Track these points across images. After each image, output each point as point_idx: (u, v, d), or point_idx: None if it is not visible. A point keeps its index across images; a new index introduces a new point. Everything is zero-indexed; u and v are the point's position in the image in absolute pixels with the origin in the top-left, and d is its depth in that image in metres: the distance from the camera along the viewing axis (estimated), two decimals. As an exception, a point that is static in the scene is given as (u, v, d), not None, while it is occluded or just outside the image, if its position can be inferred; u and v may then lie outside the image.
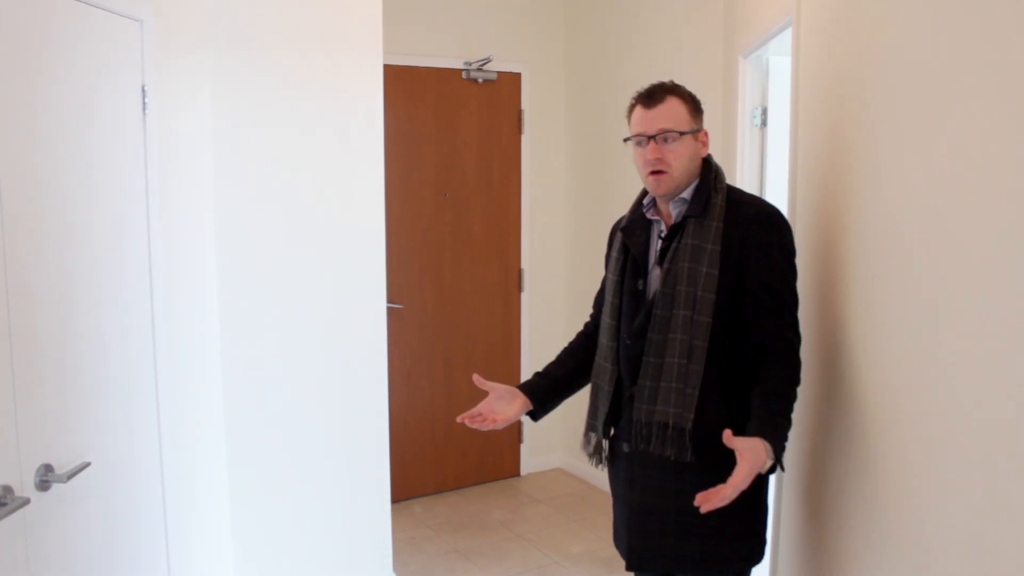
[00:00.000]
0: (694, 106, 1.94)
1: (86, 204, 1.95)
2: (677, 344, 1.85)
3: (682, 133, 1.88)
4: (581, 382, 2.18)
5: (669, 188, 1.90)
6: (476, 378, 2.05)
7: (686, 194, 1.92)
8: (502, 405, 2.06)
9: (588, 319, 2.24)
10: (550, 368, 2.18)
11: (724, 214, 1.86)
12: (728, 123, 3.18)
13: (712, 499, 1.68)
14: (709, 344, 1.82)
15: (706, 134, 1.96)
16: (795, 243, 1.91)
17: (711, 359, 1.83)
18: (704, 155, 1.95)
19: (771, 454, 1.73)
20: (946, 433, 1.29)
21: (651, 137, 1.88)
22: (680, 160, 1.88)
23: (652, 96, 1.91)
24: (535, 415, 2.11)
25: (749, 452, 1.71)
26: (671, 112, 1.88)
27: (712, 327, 1.82)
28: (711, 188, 1.90)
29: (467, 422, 2.01)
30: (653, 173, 1.90)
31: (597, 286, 2.18)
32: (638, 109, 1.93)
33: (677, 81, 1.98)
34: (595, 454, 2.08)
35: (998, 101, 1.15)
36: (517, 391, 2.09)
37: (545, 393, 2.12)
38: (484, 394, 2.07)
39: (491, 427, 2.02)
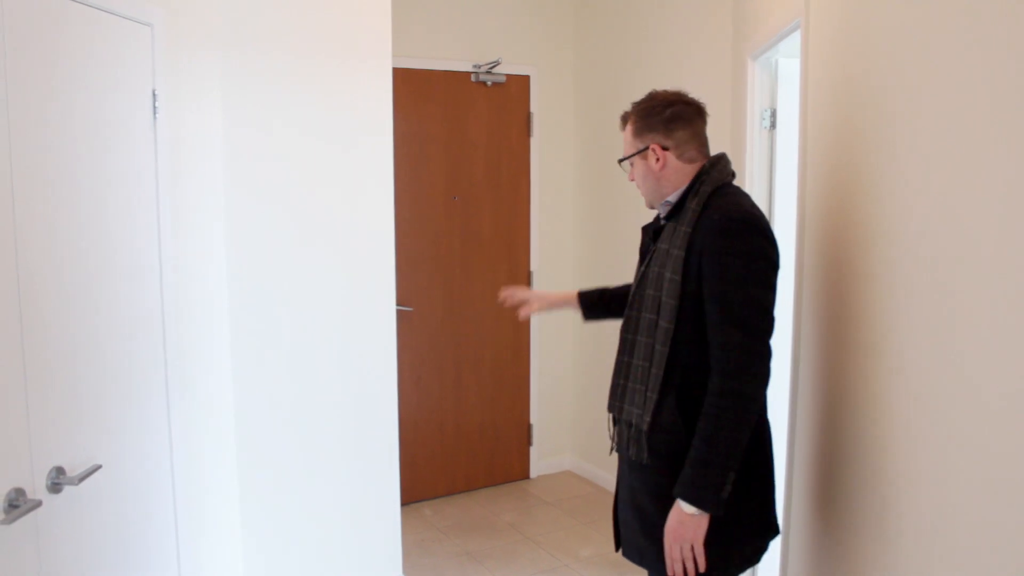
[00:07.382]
0: (642, 124, 1.93)
1: (97, 208, 1.96)
2: (642, 346, 1.88)
3: (624, 159, 1.99)
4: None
5: (646, 201, 2.01)
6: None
7: (672, 198, 1.94)
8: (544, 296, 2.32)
9: None
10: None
11: (695, 219, 1.83)
12: (737, 125, 3.17)
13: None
14: (671, 349, 1.82)
15: (656, 147, 1.90)
16: (767, 250, 1.77)
17: (672, 364, 1.83)
18: (658, 169, 1.91)
19: (685, 505, 1.75)
20: (959, 433, 1.28)
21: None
22: (638, 179, 1.98)
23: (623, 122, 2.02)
24: (585, 310, 2.31)
25: (667, 528, 1.81)
26: (624, 140, 2.00)
27: (674, 332, 1.82)
28: (690, 193, 1.88)
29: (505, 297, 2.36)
30: None
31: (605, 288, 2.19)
32: None
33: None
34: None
35: (1008, 102, 1.14)
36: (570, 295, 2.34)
37: (595, 296, 2.30)
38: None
39: (522, 308, 2.34)
